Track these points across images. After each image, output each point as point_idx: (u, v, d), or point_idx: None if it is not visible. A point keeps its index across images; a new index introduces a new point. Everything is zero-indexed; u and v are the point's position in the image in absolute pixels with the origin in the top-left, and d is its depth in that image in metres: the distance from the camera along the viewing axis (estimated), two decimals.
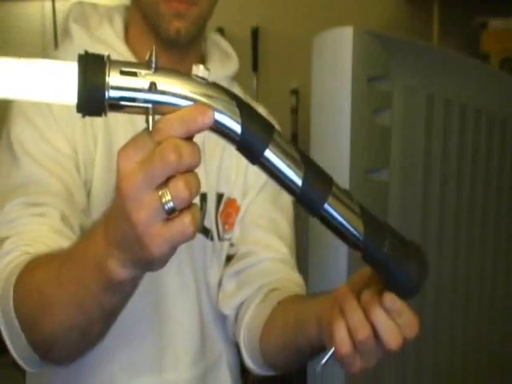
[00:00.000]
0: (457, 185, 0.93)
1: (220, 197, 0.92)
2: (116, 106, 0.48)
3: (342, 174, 0.78)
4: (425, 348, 0.91)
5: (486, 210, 0.98)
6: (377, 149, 0.83)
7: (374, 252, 0.52)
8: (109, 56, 0.48)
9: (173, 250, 0.50)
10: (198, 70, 0.49)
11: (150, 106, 0.47)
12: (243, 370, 1.09)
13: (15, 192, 0.81)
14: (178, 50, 0.88)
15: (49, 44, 2.88)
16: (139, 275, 0.56)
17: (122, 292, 0.59)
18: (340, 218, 0.50)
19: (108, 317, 0.64)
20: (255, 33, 2.80)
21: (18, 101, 0.86)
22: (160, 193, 0.47)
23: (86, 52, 0.48)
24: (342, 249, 0.77)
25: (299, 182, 0.49)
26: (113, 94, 0.47)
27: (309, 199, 0.49)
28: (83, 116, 0.48)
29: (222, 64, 0.97)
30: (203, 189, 0.86)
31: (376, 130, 0.82)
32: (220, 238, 0.92)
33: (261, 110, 1.03)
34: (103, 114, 0.48)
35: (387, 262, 0.52)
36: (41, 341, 0.69)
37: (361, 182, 0.80)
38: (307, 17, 2.74)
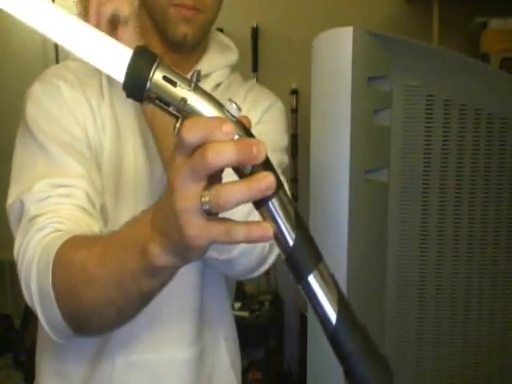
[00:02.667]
0: (457, 185, 0.92)
1: None
2: (154, 101, 0.51)
3: (342, 174, 0.78)
4: (425, 351, 0.91)
5: (486, 209, 0.98)
6: (377, 149, 0.83)
7: (343, 342, 0.51)
8: (161, 58, 0.52)
9: (209, 245, 0.54)
10: (231, 107, 0.51)
11: (179, 116, 0.51)
12: (243, 369, 1.09)
13: (42, 173, 0.85)
14: (183, 52, 0.92)
15: (49, 44, 2.88)
16: (179, 264, 0.59)
17: (161, 277, 0.63)
18: None
19: (144, 299, 0.67)
20: (255, 33, 2.80)
21: (33, 92, 0.90)
22: (203, 192, 0.50)
23: (143, 46, 0.53)
24: (342, 250, 0.78)
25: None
26: (152, 89, 0.51)
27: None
28: (127, 96, 0.53)
29: (222, 53, 1.00)
30: None
31: (376, 130, 0.82)
32: None
33: (265, 89, 1.04)
34: (143, 102, 0.53)
35: (354, 357, 0.50)
36: (77, 313, 0.73)
37: (361, 182, 0.80)
38: (307, 17, 2.74)
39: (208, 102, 0.51)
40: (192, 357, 0.95)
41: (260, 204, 0.50)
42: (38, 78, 0.95)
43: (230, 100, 0.51)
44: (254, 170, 0.49)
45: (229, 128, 0.49)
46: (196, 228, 0.52)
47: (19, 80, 2.86)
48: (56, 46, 2.86)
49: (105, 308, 0.70)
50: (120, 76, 0.53)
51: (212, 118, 0.50)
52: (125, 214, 0.90)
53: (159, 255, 0.58)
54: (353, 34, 0.76)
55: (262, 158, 0.49)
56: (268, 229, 0.50)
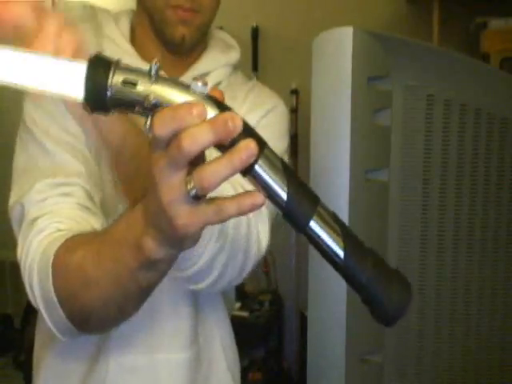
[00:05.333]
0: (457, 184, 0.92)
1: None
2: (120, 108, 0.50)
3: (341, 174, 0.78)
4: (425, 351, 0.91)
5: (486, 209, 0.98)
6: (377, 149, 0.83)
7: (355, 274, 0.52)
8: (117, 61, 0.50)
9: (202, 229, 0.54)
10: (197, 86, 0.49)
11: (147, 114, 0.49)
12: (243, 369, 1.09)
13: (42, 173, 0.86)
14: (181, 53, 0.92)
15: None
16: (174, 254, 0.60)
17: (158, 270, 0.63)
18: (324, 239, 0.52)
19: (143, 293, 0.68)
20: (255, 33, 2.80)
21: (31, 95, 0.91)
22: (186, 179, 0.50)
23: (97, 54, 0.50)
24: None
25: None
26: (113, 97, 0.49)
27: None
28: (89, 113, 0.51)
29: (222, 52, 0.99)
30: None
31: (376, 130, 0.82)
32: None
33: (267, 91, 1.04)
34: (110, 113, 0.51)
35: (369, 285, 0.51)
36: (79, 313, 0.74)
37: (361, 182, 0.80)
38: (307, 17, 2.74)
39: (172, 88, 0.49)
40: (187, 360, 0.95)
41: (246, 171, 0.50)
42: None
43: (195, 78, 0.50)
44: (234, 139, 0.48)
45: (198, 110, 0.47)
46: (186, 216, 0.52)
47: None
48: None
49: (105, 307, 0.71)
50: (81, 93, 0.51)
51: (180, 104, 0.49)
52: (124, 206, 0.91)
53: (155, 249, 0.58)
54: (353, 34, 0.76)
55: (239, 130, 0.48)
56: (257, 196, 0.50)
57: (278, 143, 0.94)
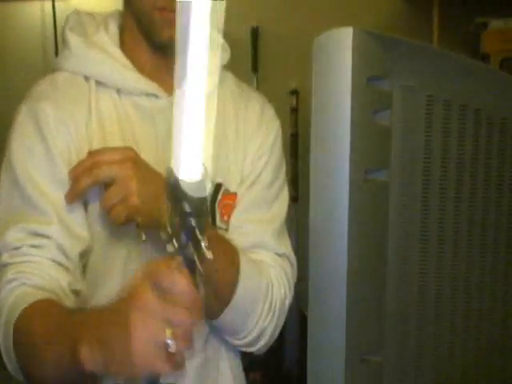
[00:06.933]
0: (457, 185, 0.92)
1: (218, 186, 0.94)
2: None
3: (341, 174, 0.78)
4: (425, 350, 0.91)
5: (486, 209, 0.98)
6: (377, 149, 0.83)
7: None
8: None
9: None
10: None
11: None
12: (244, 369, 1.09)
13: (17, 216, 0.87)
14: (170, 54, 0.91)
15: (49, 45, 2.88)
16: (103, 372, 0.63)
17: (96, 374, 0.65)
18: None
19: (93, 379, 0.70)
20: (255, 33, 2.80)
21: (18, 118, 0.91)
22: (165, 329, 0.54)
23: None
24: (342, 250, 0.78)
25: None
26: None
27: None
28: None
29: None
30: None
31: (376, 130, 0.82)
32: (216, 226, 0.95)
33: (267, 106, 1.05)
34: None
35: None
36: (31, 376, 0.79)
37: (361, 182, 0.80)
38: (307, 17, 2.74)
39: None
40: (193, 370, 0.95)
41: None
42: (25, 98, 0.95)
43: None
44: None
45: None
46: (147, 360, 0.55)
47: (17, 71, 2.85)
48: (55, 37, 2.85)
49: (53, 380, 0.75)
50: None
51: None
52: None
53: (89, 364, 0.60)
54: (353, 34, 0.76)
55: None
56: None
57: (282, 166, 0.99)
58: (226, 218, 0.99)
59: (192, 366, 0.97)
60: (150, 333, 0.52)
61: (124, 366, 0.55)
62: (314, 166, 0.83)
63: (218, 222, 0.98)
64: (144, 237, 0.85)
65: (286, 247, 0.99)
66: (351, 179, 0.78)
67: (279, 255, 0.99)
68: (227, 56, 1.02)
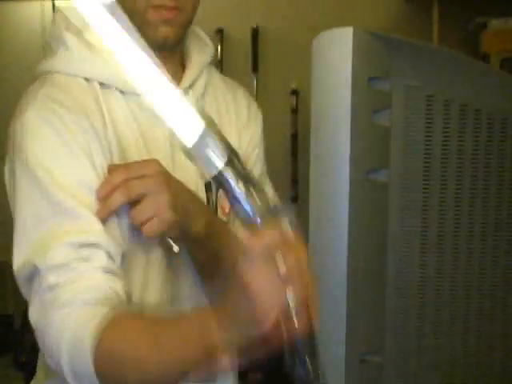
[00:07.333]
0: (457, 185, 0.92)
1: None
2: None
3: (341, 174, 0.78)
4: (425, 350, 0.91)
5: (486, 209, 0.98)
6: (377, 149, 0.83)
7: None
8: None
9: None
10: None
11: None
12: (244, 370, 1.09)
13: (55, 232, 0.79)
14: (164, 52, 0.91)
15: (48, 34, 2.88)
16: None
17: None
18: None
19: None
20: (255, 33, 2.80)
21: (27, 122, 0.84)
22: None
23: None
24: (343, 250, 0.78)
25: None
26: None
27: None
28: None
29: (201, 52, 1.00)
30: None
31: (376, 130, 0.82)
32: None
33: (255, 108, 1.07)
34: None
35: None
36: None
37: (361, 182, 0.80)
38: (307, 17, 2.74)
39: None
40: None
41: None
42: (28, 103, 0.88)
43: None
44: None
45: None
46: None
47: (17, 71, 2.85)
48: None
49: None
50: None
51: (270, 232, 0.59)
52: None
53: (228, 364, 0.62)
54: (353, 34, 0.76)
55: None
56: None
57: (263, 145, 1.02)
58: (227, 211, 0.99)
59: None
60: (272, 285, 0.55)
61: (252, 326, 0.58)
62: (314, 166, 0.83)
63: (220, 216, 0.99)
64: (176, 248, 0.84)
65: None
66: (351, 179, 0.78)
67: None
68: (212, 51, 1.02)
